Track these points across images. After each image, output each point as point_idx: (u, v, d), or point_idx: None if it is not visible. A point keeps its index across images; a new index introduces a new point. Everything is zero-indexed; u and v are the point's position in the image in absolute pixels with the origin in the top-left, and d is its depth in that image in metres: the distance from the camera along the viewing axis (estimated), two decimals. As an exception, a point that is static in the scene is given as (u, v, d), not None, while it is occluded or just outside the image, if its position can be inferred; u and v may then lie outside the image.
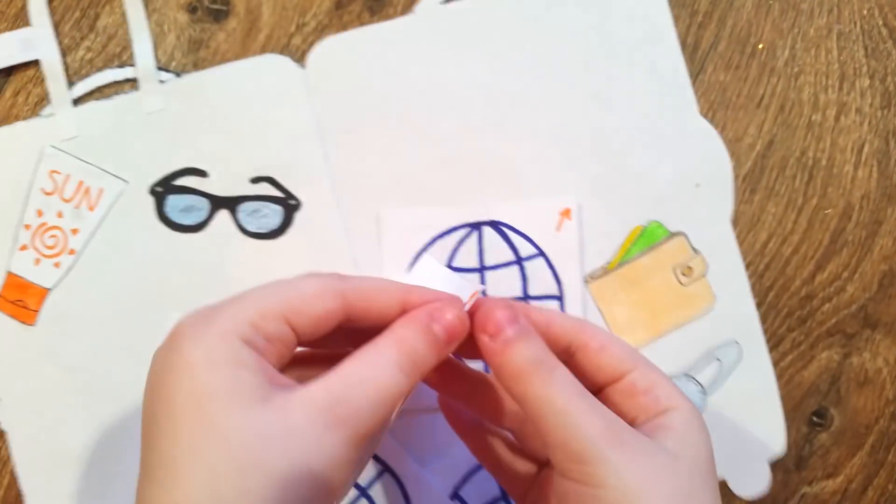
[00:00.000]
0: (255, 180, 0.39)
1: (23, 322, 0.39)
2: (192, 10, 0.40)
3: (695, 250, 0.40)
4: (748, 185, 0.41)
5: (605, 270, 0.40)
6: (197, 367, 0.23)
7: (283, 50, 0.40)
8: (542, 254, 0.40)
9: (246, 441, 0.22)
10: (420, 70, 0.40)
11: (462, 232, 0.40)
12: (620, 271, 0.40)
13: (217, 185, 0.39)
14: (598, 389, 0.29)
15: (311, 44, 0.40)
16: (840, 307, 0.41)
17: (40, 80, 0.40)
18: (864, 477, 0.41)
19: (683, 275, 0.40)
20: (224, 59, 0.40)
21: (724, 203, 0.41)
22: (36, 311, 0.39)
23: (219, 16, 0.40)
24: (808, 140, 0.41)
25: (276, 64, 0.40)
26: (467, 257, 0.40)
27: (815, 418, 0.41)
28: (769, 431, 0.41)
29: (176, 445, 0.23)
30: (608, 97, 0.41)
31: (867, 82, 0.41)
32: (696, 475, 0.26)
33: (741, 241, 0.41)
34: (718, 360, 0.40)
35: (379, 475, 0.39)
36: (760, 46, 0.41)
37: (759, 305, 0.40)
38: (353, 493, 0.39)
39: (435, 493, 0.39)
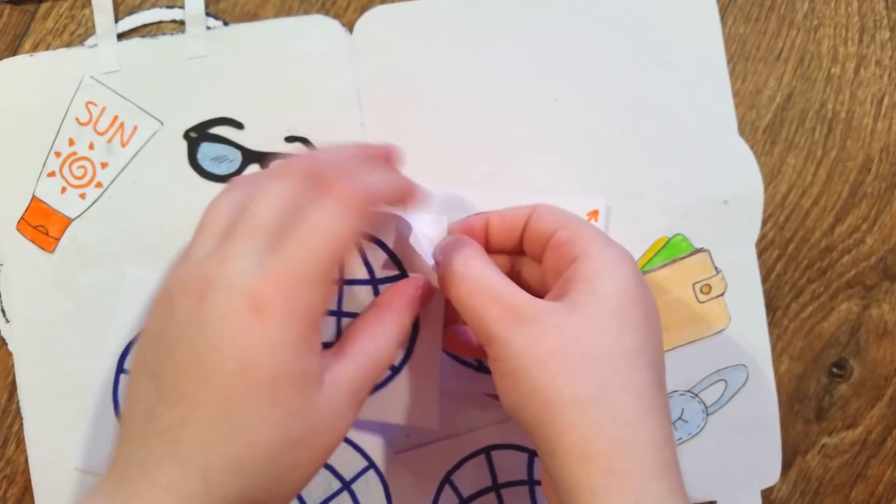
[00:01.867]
0: (290, 139, 0.39)
1: (42, 248, 0.39)
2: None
3: (716, 269, 0.40)
4: (768, 136, 0.41)
5: (624, 277, 0.40)
6: (282, 350, 0.24)
7: (332, 9, 0.40)
8: (564, 251, 0.40)
9: (310, 420, 0.26)
10: (465, 52, 0.40)
11: (488, 219, 0.40)
12: (639, 280, 0.40)
13: (251, 139, 0.39)
14: (541, 252, 0.32)
15: (354, 7, 0.40)
16: (859, 259, 0.41)
17: (83, 11, 0.40)
18: (883, 427, 0.41)
19: (702, 292, 0.40)
20: (277, 14, 0.40)
21: (751, 225, 0.40)
22: (56, 239, 0.39)
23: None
24: (828, 93, 0.41)
25: (324, 25, 0.40)
26: (490, 245, 0.40)
27: (834, 369, 0.41)
28: (765, 460, 0.41)
29: (230, 411, 0.24)
30: (647, 103, 0.40)
31: (887, 35, 0.41)
32: (593, 323, 0.28)
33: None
34: (724, 381, 0.40)
35: (363, 471, 0.40)
36: (780, -1, 0.41)
37: (779, 257, 0.41)
38: (336, 485, 0.40)
39: (415, 491, 0.40)
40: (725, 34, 0.40)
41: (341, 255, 0.26)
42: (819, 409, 0.41)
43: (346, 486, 0.39)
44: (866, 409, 0.41)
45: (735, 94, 0.40)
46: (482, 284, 0.30)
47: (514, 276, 0.35)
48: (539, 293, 0.31)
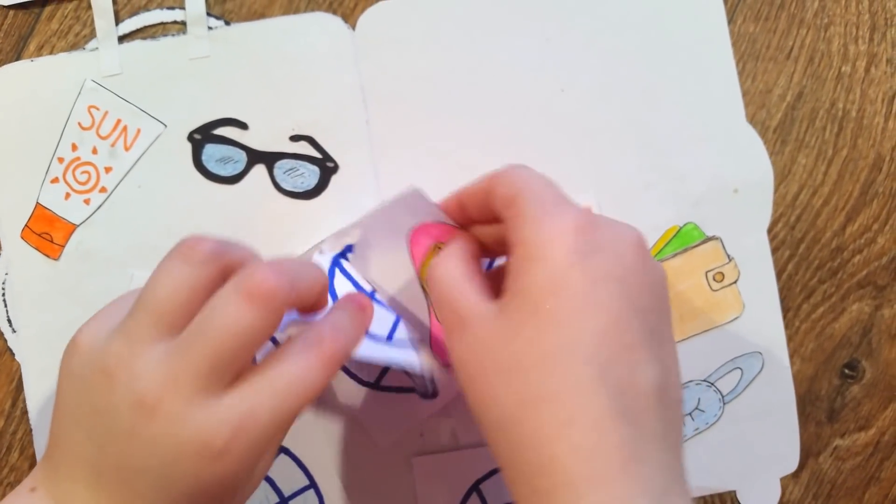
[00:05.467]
0: (295, 138, 0.39)
1: (47, 255, 0.39)
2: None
3: (728, 256, 0.40)
4: (778, 136, 0.40)
5: (636, 267, 0.40)
6: (233, 485, 0.27)
7: (339, 8, 0.39)
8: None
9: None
10: (471, 46, 0.40)
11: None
12: (651, 270, 0.40)
13: (256, 139, 0.39)
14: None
15: (362, 6, 0.39)
16: (871, 259, 0.40)
17: (88, 13, 0.39)
18: (896, 429, 0.41)
19: (715, 280, 0.40)
20: (284, 13, 0.39)
21: (762, 211, 0.40)
22: (61, 245, 0.39)
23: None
24: (838, 91, 0.40)
25: (326, 23, 0.39)
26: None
27: (846, 370, 0.41)
28: (784, 447, 0.41)
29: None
30: (654, 93, 0.40)
31: None
32: (512, 330, 0.26)
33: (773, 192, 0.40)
34: (740, 369, 0.40)
35: (303, 490, 0.39)
36: (790, -3, 0.40)
37: (790, 257, 0.40)
38: (274, 499, 0.39)
39: (442, 496, 0.39)
40: (735, 33, 0.40)
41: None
42: (831, 411, 0.41)
43: (284, 501, 0.39)
44: (879, 411, 0.41)
45: (745, 94, 0.40)
46: (442, 292, 0.29)
47: None
48: None
